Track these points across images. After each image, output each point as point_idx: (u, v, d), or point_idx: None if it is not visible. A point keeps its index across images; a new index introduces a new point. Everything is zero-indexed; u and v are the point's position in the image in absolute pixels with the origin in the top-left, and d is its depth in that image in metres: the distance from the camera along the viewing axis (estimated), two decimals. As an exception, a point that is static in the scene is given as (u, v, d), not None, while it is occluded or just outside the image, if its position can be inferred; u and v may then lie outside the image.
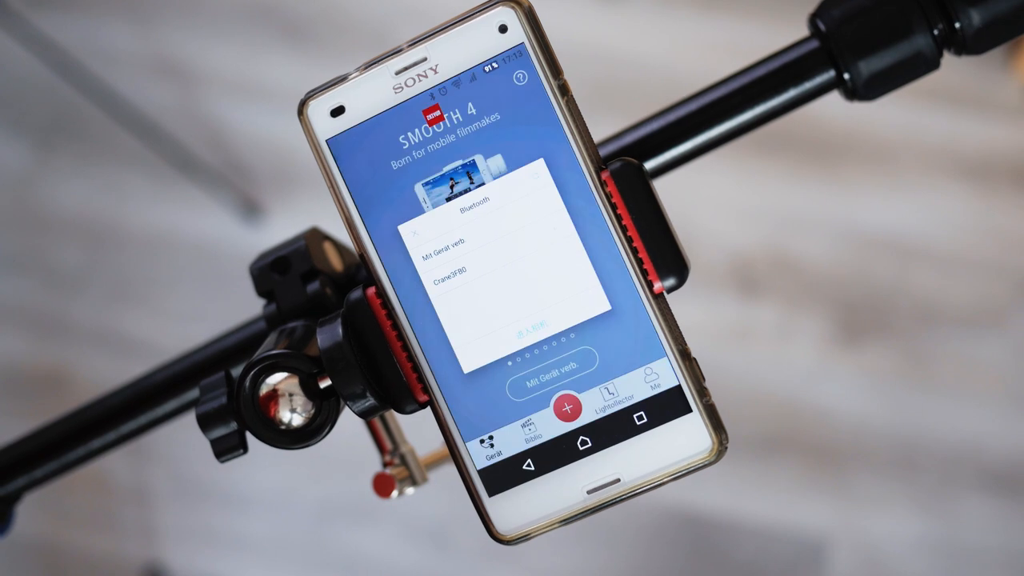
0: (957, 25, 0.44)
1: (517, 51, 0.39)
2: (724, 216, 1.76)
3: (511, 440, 0.40)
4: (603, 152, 0.48)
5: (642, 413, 0.39)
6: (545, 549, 1.66)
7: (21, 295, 1.85)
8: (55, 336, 1.82)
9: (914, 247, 1.73)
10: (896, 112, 1.77)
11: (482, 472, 0.40)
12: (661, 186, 0.42)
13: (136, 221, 1.86)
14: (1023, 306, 1.69)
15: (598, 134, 0.48)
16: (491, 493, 0.40)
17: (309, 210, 1.80)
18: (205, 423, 0.42)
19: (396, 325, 0.40)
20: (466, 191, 0.40)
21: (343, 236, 0.54)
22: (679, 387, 0.39)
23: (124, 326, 1.81)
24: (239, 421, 0.42)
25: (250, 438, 0.43)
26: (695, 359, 0.39)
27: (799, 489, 1.65)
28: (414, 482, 0.51)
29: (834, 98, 1.66)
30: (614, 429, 0.39)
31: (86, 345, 1.81)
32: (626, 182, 0.39)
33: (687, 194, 1.75)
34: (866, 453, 1.66)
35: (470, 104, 0.39)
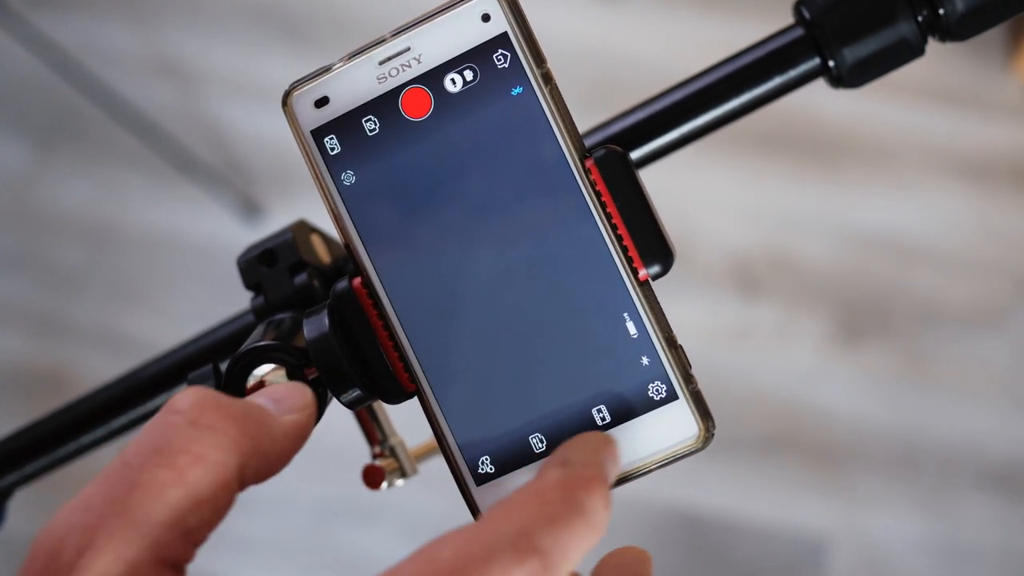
0: (941, 11, 0.44)
1: (500, 40, 0.39)
2: (724, 216, 1.76)
3: None
4: (588, 142, 0.48)
5: (627, 401, 0.39)
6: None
7: (21, 295, 1.85)
8: (55, 336, 1.83)
9: (914, 247, 1.73)
10: (896, 112, 1.77)
11: (470, 462, 0.40)
12: (654, 177, 0.42)
13: (136, 221, 1.87)
14: (1023, 306, 1.69)
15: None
16: (479, 483, 0.40)
17: (309, 210, 1.80)
18: None
19: (383, 315, 0.40)
20: None
21: (331, 229, 0.54)
22: (665, 374, 0.39)
23: (124, 326, 1.82)
24: None
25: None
26: (681, 346, 0.39)
27: (799, 489, 1.65)
28: (404, 474, 0.51)
29: (834, 98, 1.65)
30: (600, 417, 0.39)
31: (86, 345, 1.81)
32: (610, 169, 0.39)
33: (686, 194, 1.75)
34: (866, 453, 1.66)
35: None
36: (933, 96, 1.78)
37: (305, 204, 1.82)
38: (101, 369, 1.75)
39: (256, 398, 0.36)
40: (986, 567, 1.61)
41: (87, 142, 1.90)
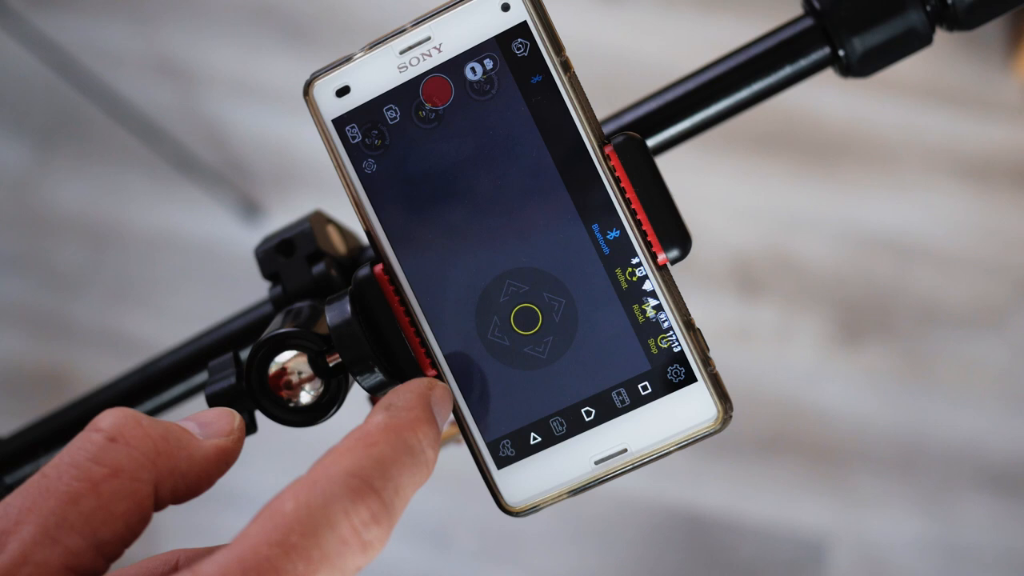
0: (949, 1, 0.45)
1: (520, 29, 0.39)
2: (724, 216, 1.77)
3: None
4: (605, 130, 0.48)
5: (647, 383, 0.40)
6: (545, 549, 1.67)
7: (21, 295, 1.85)
8: (56, 336, 1.82)
9: (914, 247, 1.73)
10: (896, 112, 1.78)
11: (491, 445, 0.41)
12: (663, 171, 0.42)
13: (137, 221, 1.87)
14: (1023, 306, 1.70)
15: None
16: (500, 466, 0.40)
17: (309, 209, 1.81)
18: (215, 403, 0.42)
19: (404, 301, 0.40)
20: None
21: (346, 220, 0.54)
22: (684, 357, 0.39)
23: (125, 326, 1.81)
24: (249, 400, 0.42)
25: (259, 417, 0.43)
26: (699, 329, 0.40)
27: (799, 489, 1.66)
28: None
29: (834, 98, 1.65)
30: (619, 399, 0.40)
31: (87, 345, 1.81)
32: (629, 156, 0.39)
33: (687, 194, 1.75)
34: (866, 453, 1.66)
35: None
36: (933, 96, 1.78)
37: (305, 204, 1.82)
38: (102, 369, 1.75)
39: (182, 421, 0.36)
40: (986, 567, 1.61)
41: (87, 142, 1.90)
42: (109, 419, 0.33)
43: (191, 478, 0.34)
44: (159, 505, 0.33)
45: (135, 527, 0.32)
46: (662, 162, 0.49)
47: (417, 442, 0.33)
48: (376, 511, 0.31)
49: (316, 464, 0.32)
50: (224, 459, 0.36)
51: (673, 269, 0.40)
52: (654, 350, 0.39)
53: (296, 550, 0.29)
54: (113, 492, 0.31)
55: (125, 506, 0.31)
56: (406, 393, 0.36)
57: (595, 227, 0.39)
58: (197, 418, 0.37)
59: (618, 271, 0.40)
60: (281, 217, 1.83)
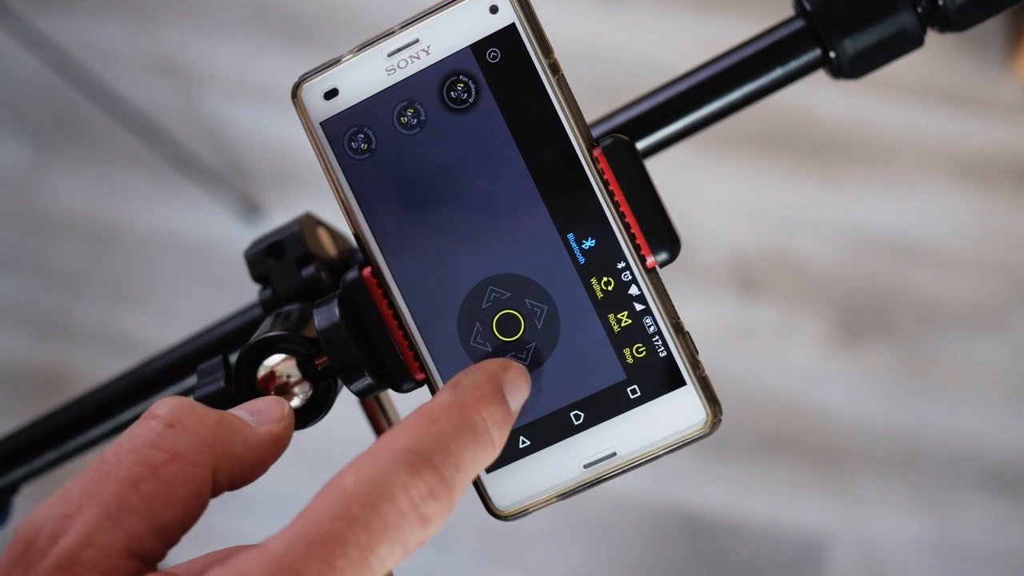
0: (940, 2, 0.45)
1: (508, 31, 0.39)
2: (724, 216, 1.77)
3: None
4: (594, 133, 0.48)
5: (636, 387, 0.39)
6: (545, 549, 1.66)
7: (21, 295, 1.85)
8: (55, 336, 1.82)
9: (914, 247, 1.73)
10: (896, 112, 1.78)
11: None
12: (655, 175, 0.42)
13: (136, 221, 1.87)
14: (1023, 306, 1.69)
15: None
16: (488, 470, 0.40)
17: (309, 209, 1.81)
18: None
19: (392, 304, 0.40)
20: None
21: (337, 222, 0.54)
22: (673, 360, 0.39)
23: (124, 326, 1.81)
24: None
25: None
26: (688, 332, 0.39)
27: (799, 489, 1.65)
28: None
29: (834, 97, 1.65)
30: (608, 403, 0.40)
31: (86, 345, 1.81)
32: (618, 158, 0.39)
33: (687, 194, 1.75)
34: (866, 453, 1.66)
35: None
36: (933, 96, 1.78)
37: (305, 204, 1.82)
38: (101, 369, 1.75)
39: (234, 409, 0.37)
40: (986, 567, 1.61)
41: (87, 142, 1.90)
42: (166, 406, 0.34)
43: (247, 463, 0.35)
44: (216, 490, 0.34)
45: (194, 511, 0.33)
46: (656, 163, 0.49)
47: (481, 420, 0.33)
48: (434, 486, 0.31)
49: (377, 441, 0.32)
50: (277, 445, 0.36)
51: (666, 271, 0.40)
52: (630, 360, 0.39)
53: (358, 522, 0.29)
54: (173, 476, 0.32)
55: (185, 490, 0.32)
56: (476, 372, 0.36)
57: (570, 236, 0.39)
58: (248, 406, 0.38)
59: (593, 280, 0.39)
60: (281, 217, 1.83)
